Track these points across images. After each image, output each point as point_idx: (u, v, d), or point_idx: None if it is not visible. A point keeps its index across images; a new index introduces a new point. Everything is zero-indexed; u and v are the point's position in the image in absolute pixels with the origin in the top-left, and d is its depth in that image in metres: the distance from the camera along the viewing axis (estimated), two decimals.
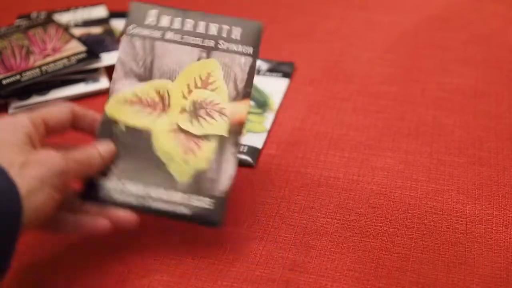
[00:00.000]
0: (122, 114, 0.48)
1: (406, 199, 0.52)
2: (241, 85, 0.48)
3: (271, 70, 0.69)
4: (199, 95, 0.48)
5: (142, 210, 0.45)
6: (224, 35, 0.50)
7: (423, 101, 0.64)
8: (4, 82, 0.65)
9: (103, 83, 0.68)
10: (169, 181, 0.46)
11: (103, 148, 0.46)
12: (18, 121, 0.42)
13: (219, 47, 0.50)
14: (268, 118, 0.62)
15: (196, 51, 0.49)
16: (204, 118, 0.47)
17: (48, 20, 0.76)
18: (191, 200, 0.46)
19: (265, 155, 0.58)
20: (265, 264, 0.47)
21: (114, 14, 0.81)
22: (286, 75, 0.69)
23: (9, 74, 0.66)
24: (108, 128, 0.47)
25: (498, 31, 0.77)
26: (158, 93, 0.48)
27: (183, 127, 0.47)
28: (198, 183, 0.46)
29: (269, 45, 0.76)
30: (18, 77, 0.66)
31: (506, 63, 0.70)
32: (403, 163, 0.56)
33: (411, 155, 0.57)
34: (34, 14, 0.81)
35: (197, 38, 0.50)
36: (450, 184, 0.53)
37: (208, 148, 0.47)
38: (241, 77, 0.48)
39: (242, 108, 0.48)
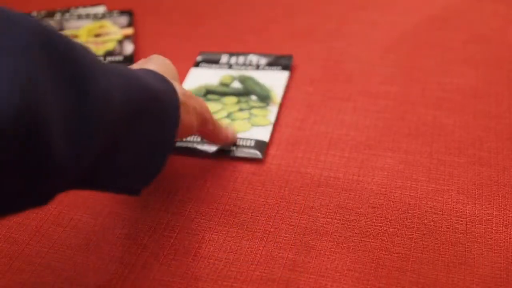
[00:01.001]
0: None
1: (406, 199, 0.52)
2: None
3: (270, 64, 0.70)
4: None
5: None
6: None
7: (423, 101, 0.64)
8: None
9: None
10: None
11: (232, 131, 0.57)
12: (168, 61, 0.51)
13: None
14: (272, 111, 0.63)
15: None
16: None
17: (47, 19, 0.76)
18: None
19: (265, 155, 0.58)
20: (265, 264, 0.47)
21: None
22: (285, 67, 0.69)
23: None
24: None
25: (498, 31, 0.77)
26: None
27: None
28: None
29: (269, 45, 0.76)
30: None
31: (506, 63, 0.70)
32: (403, 163, 0.56)
33: (411, 155, 0.57)
34: (34, 14, 0.81)
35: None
36: (450, 184, 0.54)
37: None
38: None
39: None
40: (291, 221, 0.50)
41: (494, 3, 0.83)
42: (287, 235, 0.49)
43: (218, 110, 0.64)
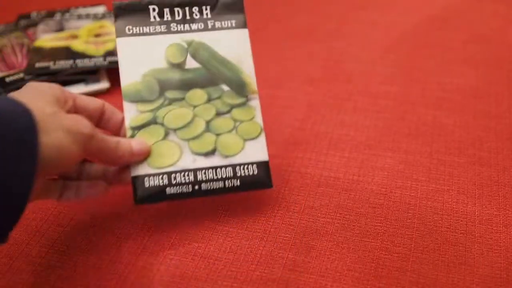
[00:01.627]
0: None
1: (406, 199, 0.52)
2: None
3: (218, 12, 0.52)
4: None
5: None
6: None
7: (423, 101, 0.64)
8: (7, 80, 0.65)
9: (103, 83, 0.68)
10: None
11: (136, 143, 0.46)
12: (48, 84, 0.43)
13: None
14: (256, 108, 0.50)
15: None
16: None
17: (47, 19, 0.76)
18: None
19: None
20: (265, 264, 0.47)
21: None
22: (239, 21, 0.52)
23: (12, 72, 0.66)
24: None
25: (498, 31, 0.77)
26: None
27: None
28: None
29: (269, 45, 0.76)
30: (21, 75, 0.66)
31: (506, 63, 0.70)
32: (403, 163, 0.56)
33: (411, 155, 0.57)
34: (34, 14, 0.81)
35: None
36: (450, 184, 0.53)
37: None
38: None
39: None
40: (291, 221, 0.50)
41: (494, 3, 0.83)
42: (287, 235, 0.49)
43: (190, 120, 0.49)
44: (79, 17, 0.78)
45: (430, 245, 0.48)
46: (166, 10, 0.51)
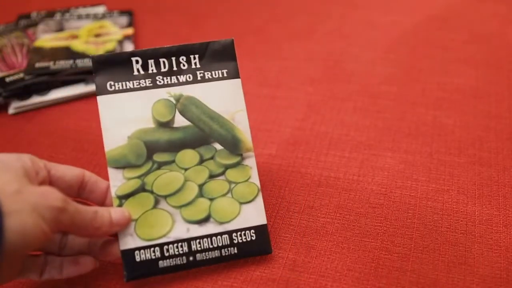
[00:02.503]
0: None
1: (406, 199, 0.52)
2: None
3: (208, 61, 0.48)
4: None
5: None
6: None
7: (423, 101, 0.64)
8: (7, 80, 0.65)
9: None
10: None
11: (116, 212, 0.42)
12: (17, 155, 0.39)
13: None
14: (252, 167, 0.47)
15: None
16: None
17: (47, 19, 0.76)
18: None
19: (265, 155, 0.58)
20: (265, 264, 0.46)
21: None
22: (231, 70, 0.48)
23: (12, 72, 0.66)
24: None
25: (498, 31, 0.77)
26: None
27: None
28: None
29: (269, 45, 0.76)
30: (21, 75, 0.66)
31: (506, 63, 0.70)
32: (403, 163, 0.56)
33: (411, 155, 0.57)
34: (34, 14, 0.81)
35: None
36: (450, 184, 0.53)
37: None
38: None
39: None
40: (291, 221, 0.50)
41: (494, 3, 0.83)
42: (287, 235, 0.49)
43: (181, 185, 0.46)
44: (79, 17, 0.78)
45: (430, 245, 0.48)
46: (151, 62, 0.47)
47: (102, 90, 0.46)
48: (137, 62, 0.46)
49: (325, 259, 0.47)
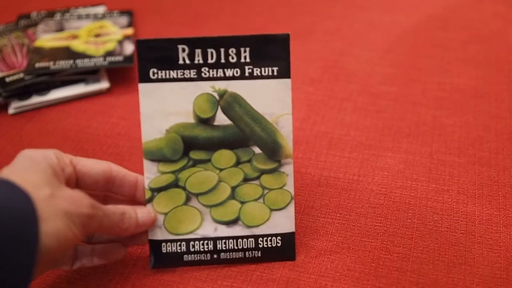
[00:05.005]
0: None
1: (406, 199, 0.52)
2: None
3: (259, 56, 0.44)
4: None
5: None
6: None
7: (423, 101, 0.64)
8: (7, 80, 0.65)
9: (103, 83, 0.68)
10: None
11: (142, 213, 0.43)
12: (42, 152, 0.40)
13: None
14: (289, 174, 0.46)
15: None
16: None
17: (47, 19, 0.76)
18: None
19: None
20: (265, 264, 0.46)
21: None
22: (283, 69, 0.45)
23: (12, 72, 0.66)
24: None
25: (498, 31, 0.77)
26: None
27: None
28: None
29: None
30: (21, 75, 0.66)
31: (506, 63, 0.70)
32: (403, 163, 0.56)
33: (411, 155, 0.57)
34: (34, 14, 0.81)
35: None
36: (450, 184, 0.53)
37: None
38: None
39: None
40: None
41: (494, 3, 0.83)
42: None
43: (214, 185, 0.45)
44: (79, 17, 0.78)
45: (430, 245, 0.48)
46: (198, 52, 0.44)
47: (144, 77, 0.44)
48: (183, 50, 0.44)
49: (325, 259, 0.47)
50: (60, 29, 0.76)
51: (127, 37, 0.75)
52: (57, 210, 0.36)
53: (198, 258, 0.45)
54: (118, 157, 0.58)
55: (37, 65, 0.67)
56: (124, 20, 0.79)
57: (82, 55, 0.69)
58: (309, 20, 0.81)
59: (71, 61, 0.68)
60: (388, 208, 0.51)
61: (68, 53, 0.69)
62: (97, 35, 0.74)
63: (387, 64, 0.71)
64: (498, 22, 0.79)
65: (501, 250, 0.47)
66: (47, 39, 0.72)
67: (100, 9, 0.84)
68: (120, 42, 0.73)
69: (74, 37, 0.74)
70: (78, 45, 0.71)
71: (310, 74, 0.70)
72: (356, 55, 0.73)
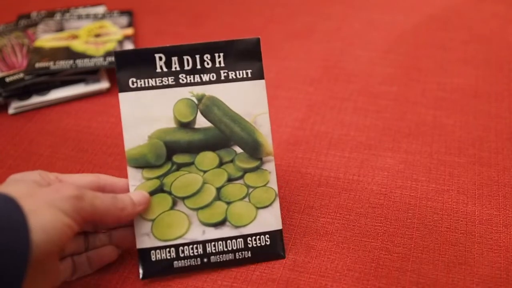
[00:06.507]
0: None
1: (406, 199, 0.52)
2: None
3: (233, 60, 0.47)
4: None
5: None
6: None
7: (423, 101, 0.64)
8: (7, 80, 0.65)
9: (103, 83, 0.68)
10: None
11: (135, 194, 0.44)
12: (28, 172, 0.40)
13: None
14: (271, 171, 0.47)
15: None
16: None
17: (47, 19, 0.76)
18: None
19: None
20: (265, 264, 0.46)
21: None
22: (256, 71, 0.47)
23: (12, 72, 0.66)
24: None
25: (498, 31, 0.77)
26: None
27: None
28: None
29: (269, 45, 0.76)
30: (21, 75, 0.66)
31: (506, 63, 0.70)
32: (403, 163, 0.56)
33: (411, 155, 0.57)
34: (34, 14, 0.81)
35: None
36: (450, 184, 0.53)
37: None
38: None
39: None
40: (292, 221, 0.50)
41: (494, 3, 0.83)
42: (287, 235, 0.49)
43: (199, 187, 0.46)
44: (79, 17, 0.78)
45: (430, 245, 0.48)
46: (174, 59, 0.46)
47: (124, 87, 0.45)
48: (160, 58, 0.46)
49: (325, 259, 0.47)
50: (60, 29, 0.76)
51: (127, 37, 0.75)
52: (39, 202, 0.35)
53: (188, 263, 0.45)
54: (118, 157, 0.58)
55: (37, 65, 0.67)
56: (124, 20, 0.79)
57: (82, 55, 0.69)
58: (309, 20, 0.81)
59: (71, 61, 0.68)
60: (388, 208, 0.51)
61: (68, 53, 0.69)
62: (97, 35, 0.74)
63: (387, 64, 0.71)
64: (498, 22, 0.79)
65: (501, 250, 0.47)
66: (47, 39, 0.72)
67: (100, 9, 0.84)
68: (120, 42, 0.73)
69: (74, 37, 0.74)
70: (78, 45, 0.71)
71: (310, 74, 0.70)
72: (356, 55, 0.73)
